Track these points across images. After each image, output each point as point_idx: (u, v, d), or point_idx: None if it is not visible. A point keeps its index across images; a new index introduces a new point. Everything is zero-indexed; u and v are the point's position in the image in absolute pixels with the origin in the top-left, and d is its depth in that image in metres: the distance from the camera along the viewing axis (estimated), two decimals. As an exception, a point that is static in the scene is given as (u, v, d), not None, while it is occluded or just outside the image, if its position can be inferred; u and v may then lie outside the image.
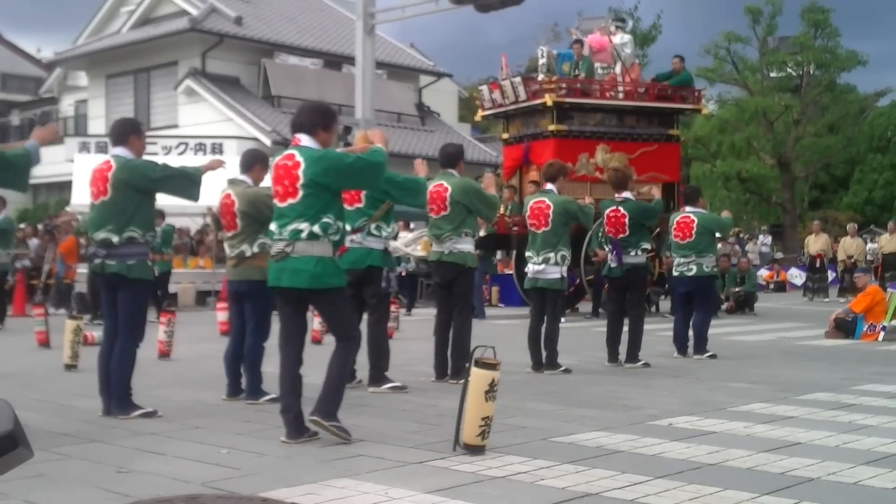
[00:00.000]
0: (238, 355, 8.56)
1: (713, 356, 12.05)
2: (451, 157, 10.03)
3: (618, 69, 21.22)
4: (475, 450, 6.11)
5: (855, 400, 8.57)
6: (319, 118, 6.74)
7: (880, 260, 28.15)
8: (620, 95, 20.84)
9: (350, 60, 29.87)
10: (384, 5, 24.82)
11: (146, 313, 7.88)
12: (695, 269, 12.21)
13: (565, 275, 10.79)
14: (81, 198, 17.85)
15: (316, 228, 6.47)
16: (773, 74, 50.05)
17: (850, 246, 27.38)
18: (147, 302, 8.02)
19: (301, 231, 6.48)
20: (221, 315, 13.94)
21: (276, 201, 6.64)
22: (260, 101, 33.57)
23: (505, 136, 22.54)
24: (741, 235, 36.22)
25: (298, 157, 6.53)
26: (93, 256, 7.68)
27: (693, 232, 12.21)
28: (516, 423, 7.21)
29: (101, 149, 28.11)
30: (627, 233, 11.33)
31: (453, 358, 9.74)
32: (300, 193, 6.48)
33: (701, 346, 12.22)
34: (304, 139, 6.65)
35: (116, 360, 7.62)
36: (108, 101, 36.98)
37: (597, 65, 21.26)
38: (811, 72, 48.82)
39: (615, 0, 41.96)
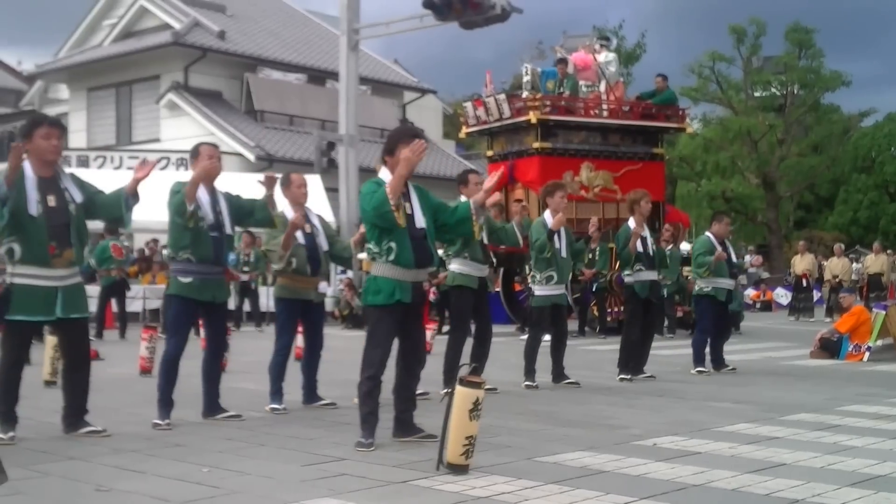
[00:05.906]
0: (312, 364, 9.25)
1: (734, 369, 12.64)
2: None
3: (602, 87, 21.26)
4: (459, 469, 6.05)
5: (840, 421, 8.55)
6: (385, 146, 7.06)
7: (866, 280, 28.30)
8: (605, 113, 20.90)
9: (334, 76, 29.86)
10: (368, 21, 24.84)
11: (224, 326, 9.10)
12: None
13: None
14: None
15: (374, 251, 6.91)
16: (757, 94, 50.38)
17: (836, 266, 27.47)
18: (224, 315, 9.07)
19: (371, 250, 6.97)
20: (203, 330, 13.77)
21: None
22: (243, 116, 33.50)
23: (489, 153, 22.59)
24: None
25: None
26: None
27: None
28: (500, 443, 7.16)
29: (83, 162, 28.00)
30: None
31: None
32: None
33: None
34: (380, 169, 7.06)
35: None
36: (90, 114, 36.80)
37: (581, 83, 21.31)
38: (795, 92, 49.15)
39: (600, 18, 42.37)
